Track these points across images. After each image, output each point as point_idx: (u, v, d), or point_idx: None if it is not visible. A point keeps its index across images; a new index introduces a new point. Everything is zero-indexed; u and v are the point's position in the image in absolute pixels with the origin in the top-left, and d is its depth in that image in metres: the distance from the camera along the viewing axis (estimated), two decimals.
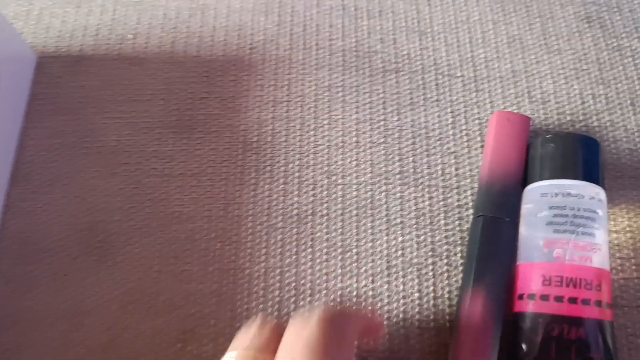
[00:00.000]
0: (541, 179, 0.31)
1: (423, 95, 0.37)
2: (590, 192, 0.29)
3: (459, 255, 0.33)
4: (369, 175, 0.35)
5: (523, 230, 0.30)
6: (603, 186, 0.30)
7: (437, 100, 0.37)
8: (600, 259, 0.28)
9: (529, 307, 0.28)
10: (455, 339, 0.29)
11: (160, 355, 0.31)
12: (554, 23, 0.39)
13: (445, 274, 0.33)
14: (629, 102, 0.36)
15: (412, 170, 0.35)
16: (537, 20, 0.39)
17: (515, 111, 0.36)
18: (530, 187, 0.31)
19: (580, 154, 0.31)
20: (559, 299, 0.27)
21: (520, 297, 0.29)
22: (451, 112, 0.36)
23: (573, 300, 0.27)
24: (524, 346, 0.28)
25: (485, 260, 0.30)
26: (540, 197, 0.30)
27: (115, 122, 0.36)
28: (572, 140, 0.31)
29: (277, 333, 0.25)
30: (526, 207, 0.31)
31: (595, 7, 0.39)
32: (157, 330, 0.32)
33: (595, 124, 0.36)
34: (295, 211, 0.34)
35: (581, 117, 0.36)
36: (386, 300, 0.32)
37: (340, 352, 0.24)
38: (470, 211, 0.34)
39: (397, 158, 0.35)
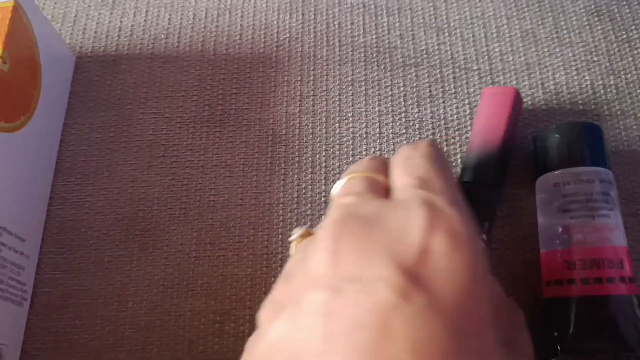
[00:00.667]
0: (552, 169, 0.32)
1: (442, 88, 0.38)
2: (601, 176, 0.31)
3: None
4: None
5: (541, 219, 0.32)
6: (610, 168, 0.32)
7: (455, 93, 0.38)
8: (618, 237, 0.30)
9: (557, 292, 0.30)
10: None
11: (199, 335, 0.33)
12: (565, 17, 0.41)
13: None
14: (638, 91, 0.38)
15: None
16: (549, 14, 0.41)
17: (529, 102, 0.38)
18: (543, 178, 0.32)
19: (585, 141, 0.32)
20: (585, 281, 0.29)
21: (548, 284, 0.30)
22: (468, 103, 0.38)
23: (598, 280, 0.29)
24: (555, 333, 0.29)
25: None
26: (553, 186, 0.31)
27: (151, 117, 0.38)
28: (575, 128, 0.32)
29: (387, 163, 0.25)
30: (540, 197, 0.32)
31: (605, 0, 0.41)
32: (196, 312, 0.34)
33: (606, 112, 0.37)
34: (323, 199, 0.36)
35: (592, 107, 0.37)
36: None
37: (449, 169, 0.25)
38: None
39: None
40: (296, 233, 0.26)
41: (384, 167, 0.25)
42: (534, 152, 0.34)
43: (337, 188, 0.25)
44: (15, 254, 0.33)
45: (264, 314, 0.22)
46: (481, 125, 0.34)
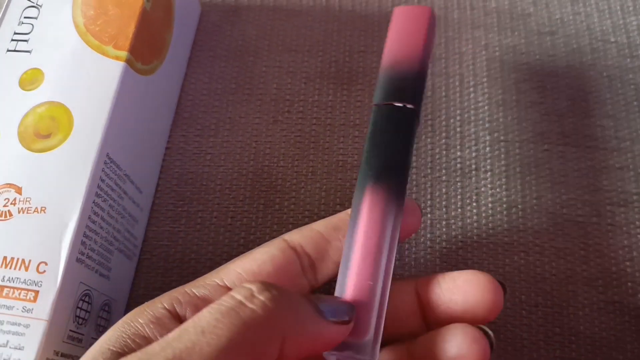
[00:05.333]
0: None
1: (579, 59, 0.35)
2: None
3: (622, 215, 0.31)
4: (531, 134, 0.33)
5: None
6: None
7: (592, 64, 0.35)
8: None
9: None
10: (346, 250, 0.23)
11: None
12: None
13: (610, 233, 0.31)
14: None
15: (572, 131, 0.33)
16: None
17: None
18: None
19: None
20: None
21: None
22: (607, 76, 0.34)
23: None
24: None
25: (379, 150, 0.24)
26: None
27: (274, 71, 0.35)
28: None
29: None
30: None
31: None
32: None
33: None
34: (458, 165, 0.32)
35: None
36: (553, 257, 0.30)
37: None
38: (631, 173, 0.32)
39: (556, 118, 0.33)
40: None
41: None
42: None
43: None
44: (133, 205, 0.30)
45: None
46: (396, 45, 0.27)
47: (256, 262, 0.23)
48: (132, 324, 0.20)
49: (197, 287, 0.22)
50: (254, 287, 0.19)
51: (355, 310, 0.21)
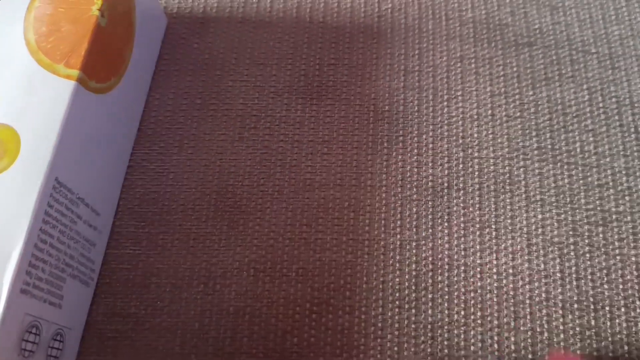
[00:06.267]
0: None
1: (558, 70, 0.33)
2: None
3: (601, 236, 0.30)
4: (506, 149, 0.32)
5: None
6: None
7: (572, 77, 0.33)
8: None
9: None
10: None
11: (293, 325, 0.28)
12: None
13: (588, 255, 0.30)
14: None
15: (550, 147, 0.32)
16: None
17: None
18: None
19: None
20: None
21: None
22: (587, 89, 0.33)
23: None
24: None
25: None
26: None
27: (242, 86, 0.33)
28: None
29: None
30: None
31: None
32: (290, 300, 0.29)
33: None
34: (430, 183, 0.31)
35: None
36: (527, 279, 0.29)
37: None
38: (611, 191, 0.31)
39: (534, 133, 0.32)
40: None
41: None
42: None
43: None
44: (89, 228, 0.29)
45: None
46: None
47: None
48: None
49: None
50: None
51: None
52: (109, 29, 0.29)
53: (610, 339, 0.28)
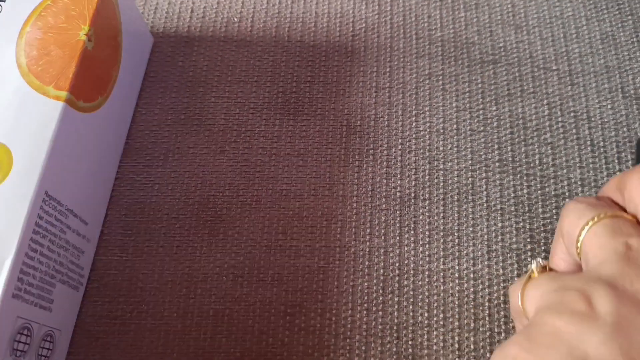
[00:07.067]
0: None
1: (520, 86, 0.35)
2: None
3: None
4: (470, 162, 0.34)
5: None
6: None
7: (533, 92, 0.35)
8: None
9: None
10: None
11: (269, 326, 0.30)
12: None
13: (545, 260, 0.32)
14: None
15: (510, 159, 0.34)
16: (629, 17, 0.38)
17: (609, 106, 0.35)
18: None
19: None
20: None
21: None
22: (547, 104, 0.35)
23: None
24: None
25: None
26: None
27: (223, 102, 0.36)
28: None
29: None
30: None
31: None
32: (267, 303, 0.31)
33: None
34: (398, 194, 0.33)
35: None
36: (487, 283, 0.31)
37: None
38: (567, 200, 0.33)
39: (496, 146, 0.34)
40: (534, 265, 0.22)
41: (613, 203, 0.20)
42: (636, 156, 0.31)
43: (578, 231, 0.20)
44: (78, 237, 0.31)
45: None
46: None
47: None
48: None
49: None
50: None
51: None
52: (96, 52, 0.31)
53: None
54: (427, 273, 0.31)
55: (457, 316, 0.31)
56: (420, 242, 0.32)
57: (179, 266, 0.32)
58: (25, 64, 0.29)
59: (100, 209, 0.33)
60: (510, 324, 0.30)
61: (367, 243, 0.32)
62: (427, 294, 0.31)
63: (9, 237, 0.26)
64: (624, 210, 0.19)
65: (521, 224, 0.32)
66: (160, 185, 0.34)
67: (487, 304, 0.31)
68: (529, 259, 0.31)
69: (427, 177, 0.33)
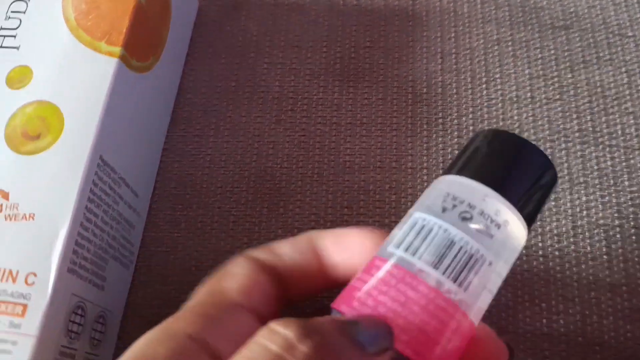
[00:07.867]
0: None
1: (595, 53, 0.33)
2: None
3: None
4: (547, 132, 0.31)
5: None
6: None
7: (610, 60, 0.33)
8: None
9: None
10: None
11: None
12: None
13: (634, 237, 0.29)
14: None
15: (591, 129, 0.31)
16: None
17: None
18: None
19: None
20: None
21: None
22: (626, 72, 0.33)
23: None
24: None
25: None
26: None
27: (277, 68, 0.33)
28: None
29: None
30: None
31: None
32: None
33: None
34: None
35: None
36: (574, 262, 0.28)
37: None
38: None
39: (574, 116, 0.31)
40: None
41: None
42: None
43: None
44: (129, 209, 0.28)
45: None
46: None
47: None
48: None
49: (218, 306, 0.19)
50: (290, 334, 0.15)
51: (392, 332, 0.18)
52: (148, 8, 0.28)
53: None
54: None
55: (542, 297, 0.28)
56: None
57: (237, 243, 0.29)
58: (74, 17, 0.26)
59: (150, 180, 0.30)
60: (602, 305, 0.28)
61: None
62: (509, 273, 0.28)
63: (63, 205, 0.23)
64: None
65: (607, 197, 0.30)
66: (213, 156, 0.31)
67: (574, 284, 0.28)
68: (618, 235, 0.29)
69: None
